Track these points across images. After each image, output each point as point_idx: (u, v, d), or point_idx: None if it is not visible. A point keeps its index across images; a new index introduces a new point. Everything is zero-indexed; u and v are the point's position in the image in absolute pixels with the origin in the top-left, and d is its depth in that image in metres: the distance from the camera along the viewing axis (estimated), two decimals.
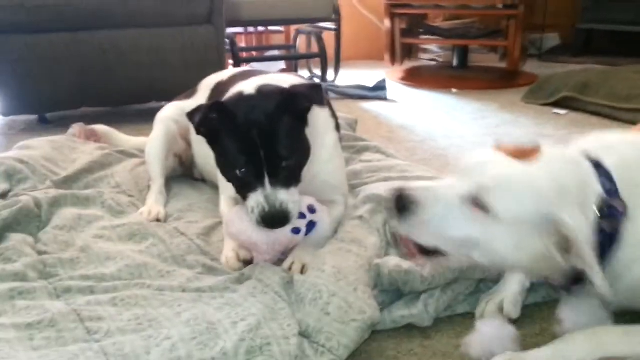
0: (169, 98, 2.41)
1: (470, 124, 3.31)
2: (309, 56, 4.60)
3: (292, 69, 4.59)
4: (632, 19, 4.93)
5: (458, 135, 3.09)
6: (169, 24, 3.29)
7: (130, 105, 3.60)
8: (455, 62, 4.85)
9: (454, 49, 4.83)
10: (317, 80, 4.29)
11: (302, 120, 1.59)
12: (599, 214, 1.19)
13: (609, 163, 1.26)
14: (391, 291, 1.47)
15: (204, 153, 2.09)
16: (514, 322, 1.39)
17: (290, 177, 1.52)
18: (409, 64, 5.06)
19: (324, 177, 1.76)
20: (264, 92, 1.56)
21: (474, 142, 2.96)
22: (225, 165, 1.57)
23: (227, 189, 1.80)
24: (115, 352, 1.18)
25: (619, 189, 1.23)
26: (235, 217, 1.55)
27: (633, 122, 3.14)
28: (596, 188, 1.22)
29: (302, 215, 1.54)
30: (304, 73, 4.66)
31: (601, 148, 1.30)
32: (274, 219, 1.48)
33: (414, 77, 4.61)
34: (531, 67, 4.82)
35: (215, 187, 2.00)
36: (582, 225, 1.15)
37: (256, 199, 1.48)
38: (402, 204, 1.22)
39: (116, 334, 1.26)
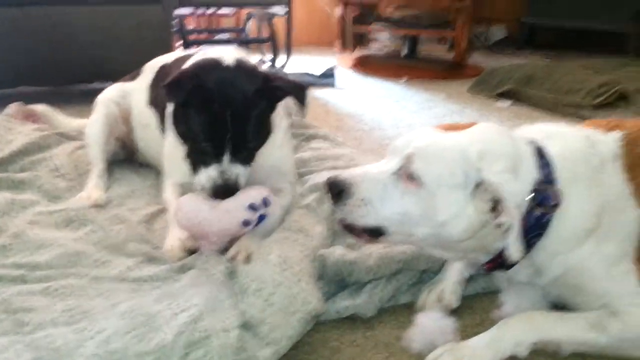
0: (114, 78, 2.33)
1: (419, 113, 3.34)
2: (259, 40, 4.54)
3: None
4: (575, 14, 5.07)
5: (406, 125, 3.11)
6: (120, 1, 3.18)
7: (74, 86, 3.46)
8: (404, 52, 4.88)
9: (404, 39, 4.86)
10: (267, 64, 4.24)
11: (272, 109, 1.61)
12: (531, 199, 1.21)
13: (553, 151, 1.28)
14: (336, 281, 1.47)
15: (147, 137, 2.03)
16: (454, 312, 1.41)
17: (249, 157, 1.56)
18: (359, 52, 5.06)
19: (274, 162, 1.74)
20: (243, 67, 1.55)
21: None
22: (187, 132, 1.55)
23: (172, 175, 1.75)
24: (47, 346, 1.13)
25: (557, 179, 1.25)
26: (185, 205, 1.50)
27: (575, 115, 3.24)
28: (533, 172, 1.23)
29: (255, 207, 1.51)
30: (255, 57, 4.59)
31: (547, 137, 1.33)
32: (223, 189, 1.50)
33: (364, 65, 4.61)
34: (477, 59, 4.90)
35: (159, 172, 1.95)
36: (510, 187, 1.17)
37: (208, 174, 1.50)
38: (338, 189, 1.24)
39: (48, 326, 1.20)
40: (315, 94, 3.71)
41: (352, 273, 1.44)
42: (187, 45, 3.74)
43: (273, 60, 4.15)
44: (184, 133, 1.56)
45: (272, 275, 1.32)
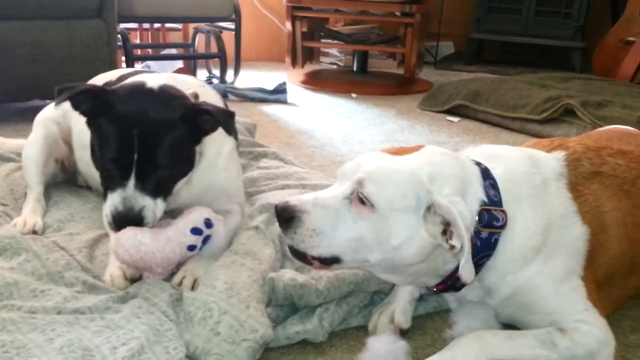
0: (53, 96, 2.23)
1: (369, 130, 3.34)
2: (207, 56, 4.48)
3: (190, 68, 4.44)
4: (520, 31, 5.21)
5: (357, 141, 3.10)
6: (55, 16, 3.07)
7: (10, 104, 3.32)
8: (355, 67, 4.90)
9: (354, 54, 4.88)
10: (215, 82, 4.18)
11: (196, 142, 1.51)
12: (478, 220, 1.22)
13: (496, 173, 1.30)
14: (286, 306, 1.43)
15: (87, 158, 1.95)
16: (405, 333, 1.39)
17: (161, 187, 1.44)
18: (310, 67, 5.06)
19: (219, 185, 1.68)
20: (169, 92, 1.47)
21: (372, 148, 2.98)
22: (98, 149, 1.46)
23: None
24: None
25: (504, 200, 1.26)
26: (124, 240, 1.39)
27: (520, 131, 3.30)
28: (479, 192, 1.25)
29: (198, 231, 1.45)
30: (203, 73, 4.53)
31: (490, 158, 1.35)
32: (125, 220, 1.39)
33: (315, 81, 4.61)
34: (427, 74, 4.96)
35: (101, 195, 1.87)
36: (461, 209, 1.17)
37: (112, 200, 1.40)
38: (287, 216, 1.21)
39: None
40: (266, 109, 3.68)
41: (303, 297, 1.40)
42: (130, 60, 3.65)
43: (221, 76, 4.09)
44: (96, 156, 1.48)
45: (218, 303, 1.27)
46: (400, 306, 1.43)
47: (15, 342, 1.19)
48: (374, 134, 3.24)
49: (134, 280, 1.46)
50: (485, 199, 1.24)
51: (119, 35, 3.45)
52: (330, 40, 4.90)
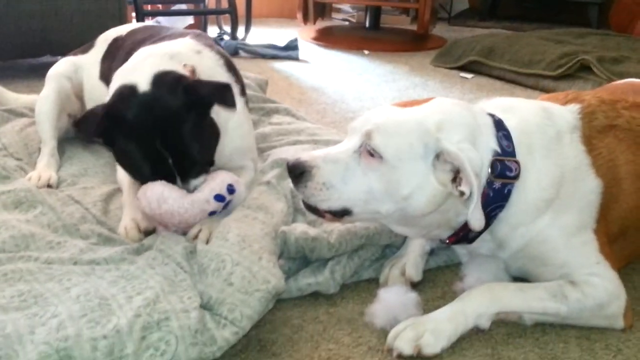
0: (65, 51, 2.24)
1: (382, 86, 3.30)
2: (218, 12, 4.42)
3: (200, 24, 4.39)
4: None
5: (369, 98, 3.08)
6: None
7: (22, 60, 3.31)
8: (367, 23, 4.82)
9: (367, 9, 4.80)
10: (226, 38, 4.13)
11: (207, 115, 1.49)
12: (491, 171, 1.22)
13: (510, 124, 1.29)
14: (298, 259, 1.44)
15: None
16: (416, 286, 1.41)
17: (202, 168, 1.47)
18: (321, 24, 4.98)
19: (233, 144, 1.69)
20: (161, 87, 1.41)
21: (384, 105, 2.95)
22: (129, 170, 1.48)
23: None
24: None
25: (516, 151, 1.25)
26: (150, 192, 1.40)
27: (535, 87, 3.26)
28: (493, 143, 1.24)
29: (221, 198, 1.46)
30: (214, 29, 4.48)
31: (504, 110, 1.33)
32: None
33: (327, 37, 4.54)
34: (440, 31, 4.87)
35: None
36: (469, 155, 1.16)
37: None
38: (298, 171, 1.23)
39: None
40: (277, 66, 3.65)
41: (314, 250, 1.41)
42: (141, 16, 3.61)
43: (232, 33, 4.04)
44: (131, 171, 1.48)
45: (231, 255, 1.28)
46: (412, 259, 1.44)
47: (33, 291, 1.22)
48: (386, 91, 3.21)
49: (147, 232, 1.48)
50: (498, 149, 1.23)
51: None
52: None
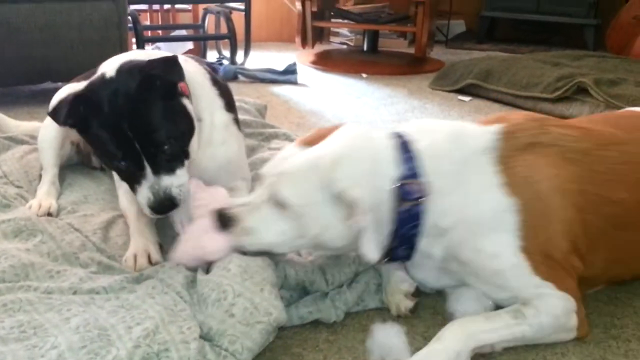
0: (66, 78, 2.24)
1: (380, 110, 3.32)
2: (217, 37, 4.46)
3: (200, 50, 4.44)
4: (532, 8, 5.12)
5: (368, 121, 3.09)
6: None
7: (23, 86, 3.34)
8: (365, 47, 4.86)
9: (365, 33, 4.84)
10: (225, 62, 4.17)
11: (172, 96, 1.48)
12: (396, 192, 1.26)
13: (419, 146, 1.32)
14: (298, 288, 1.43)
15: None
16: (418, 296, 1.43)
17: (174, 159, 1.46)
18: (320, 47, 5.03)
19: (220, 161, 1.69)
20: (124, 73, 1.45)
21: (383, 128, 2.96)
22: (103, 157, 1.50)
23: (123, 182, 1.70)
24: None
25: (423, 172, 1.29)
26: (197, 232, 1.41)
27: (533, 109, 3.27)
28: (392, 168, 1.28)
29: None
30: (213, 54, 4.52)
31: (419, 131, 1.36)
32: (160, 206, 1.44)
33: (325, 61, 4.58)
34: (438, 54, 4.92)
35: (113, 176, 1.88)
36: (361, 190, 1.22)
37: (142, 193, 1.44)
38: (225, 221, 1.33)
39: None
40: (276, 90, 3.67)
41: (314, 283, 1.41)
42: (141, 42, 3.64)
43: (232, 58, 4.08)
44: (102, 160, 1.51)
45: (232, 285, 1.27)
46: (397, 276, 1.45)
47: (32, 322, 1.21)
48: (385, 114, 3.23)
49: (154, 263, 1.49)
50: (398, 174, 1.27)
51: (129, 17, 3.44)
52: (340, 20, 4.85)
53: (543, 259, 1.28)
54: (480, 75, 3.58)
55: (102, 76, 1.46)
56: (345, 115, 3.19)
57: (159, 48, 4.27)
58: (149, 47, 4.08)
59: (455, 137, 1.35)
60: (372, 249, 1.25)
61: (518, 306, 1.28)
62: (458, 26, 5.71)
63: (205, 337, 1.20)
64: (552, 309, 1.26)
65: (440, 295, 1.49)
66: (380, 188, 1.26)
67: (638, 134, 1.46)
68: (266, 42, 5.37)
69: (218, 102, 1.71)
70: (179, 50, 4.33)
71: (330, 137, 1.32)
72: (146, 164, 1.41)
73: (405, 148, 1.31)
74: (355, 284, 1.45)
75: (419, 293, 1.43)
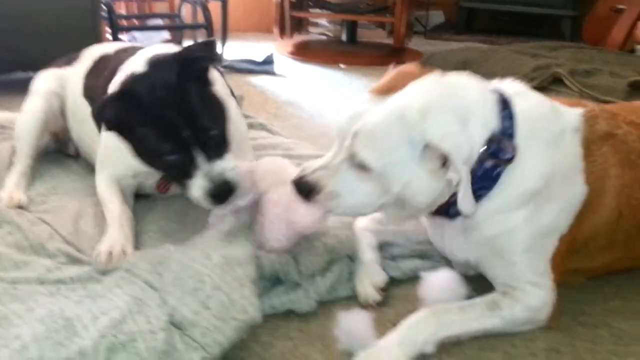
0: (37, 68, 2.19)
1: (358, 100, 3.31)
2: (194, 26, 4.40)
3: (176, 39, 4.38)
4: None
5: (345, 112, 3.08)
6: None
7: None
8: (344, 37, 4.84)
9: (343, 24, 4.83)
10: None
11: (206, 82, 1.48)
12: (487, 147, 1.20)
13: (517, 108, 1.26)
14: (272, 278, 1.42)
15: (80, 127, 1.92)
16: (386, 290, 1.42)
17: (221, 144, 1.45)
18: (298, 38, 5.00)
19: (235, 139, 1.65)
20: (158, 65, 1.44)
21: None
22: (149, 155, 1.45)
23: (107, 167, 1.67)
24: None
25: (516, 134, 1.23)
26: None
27: None
28: (492, 121, 1.21)
29: None
30: (189, 44, 4.46)
31: (516, 93, 1.31)
32: (219, 193, 1.40)
33: (303, 51, 4.56)
34: (417, 44, 4.91)
35: (87, 165, 1.86)
36: (456, 141, 1.15)
37: (197, 184, 1.40)
38: (307, 189, 1.26)
39: None
40: (253, 81, 3.65)
41: (288, 274, 1.40)
42: (116, 31, 3.59)
43: None
44: (149, 161, 1.46)
45: (212, 277, 1.25)
46: (370, 268, 1.45)
47: None
48: None
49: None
50: (498, 128, 1.21)
51: (104, 6, 3.38)
52: (318, 10, 4.83)
53: (565, 252, 1.30)
54: (458, 66, 3.58)
55: (133, 74, 1.43)
56: (323, 105, 3.17)
57: (134, 38, 4.21)
58: (124, 37, 4.02)
59: (552, 108, 1.32)
60: (470, 202, 1.17)
61: (496, 296, 1.28)
62: (437, 17, 5.72)
63: (177, 324, 1.18)
64: (531, 301, 1.27)
65: (411, 282, 1.49)
66: (475, 141, 1.18)
67: None
68: (244, 32, 5.32)
69: (226, 86, 1.76)
70: (156, 39, 4.28)
71: (413, 84, 1.24)
72: (197, 152, 1.38)
73: (504, 104, 1.24)
74: (328, 274, 1.44)
75: (388, 287, 1.43)
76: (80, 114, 1.87)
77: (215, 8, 4.07)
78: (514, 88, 1.33)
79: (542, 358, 1.25)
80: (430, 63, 3.79)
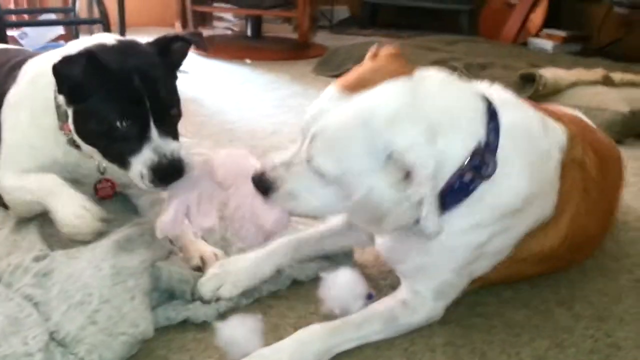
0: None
1: (262, 96, 3.28)
2: (88, 22, 4.19)
3: (71, 35, 4.16)
4: None
5: (249, 108, 3.04)
6: None
7: None
8: (249, 32, 4.79)
9: (247, 19, 4.76)
10: None
11: (177, 69, 1.52)
12: (470, 159, 1.11)
13: (504, 120, 1.17)
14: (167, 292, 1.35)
15: None
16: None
17: (175, 127, 1.42)
18: (203, 33, 4.88)
19: None
20: (133, 42, 1.45)
21: (265, 114, 2.93)
22: (100, 123, 1.34)
23: (9, 160, 1.56)
24: None
25: (500, 149, 1.15)
26: None
27: None
28: (480, 132, 1.13)
29: None
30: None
31: (503, 102, 1.21)
32: (168, 170, 1.33)
33: (208, 47, 4.45)
34: (322, 39, 4.93)
35: None
36: (423, 153, 1.05)
37: (143, 158, 1.33)
38: (265, 186, 1.19)
39: None
40: None
41: (184, 294, 1.34)
42: (3, 27, 3.35)
43: None
44: (100, 128, 1.36)
45: (100, 290, 1.18)
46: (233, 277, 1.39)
47: None
48: (267, 100, 3.19)
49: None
50: (483, 140, 1.12)
51: None
52: (222, 5, 4.74)
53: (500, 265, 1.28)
54: (360, 60, 3.61)
55: (104, 44, 1.40)
56: (227, 102, 3.12)
57: (25, 34, 3.96)
58: (13, 32, 3.77)
59: (541, 124, 1.24)
60: (433, 222, 1.07)
61: (395, 308, 1.26)
62: (342, 12, 5.77)
63: (60, 341, 1.11)
64: (430, 313, 1.28)
65: (313, 283, 1.48)
66: (448, 156, 1.08)
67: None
68: (146, 26, 5.13)
69: None
70: (49, 35, 4.05)
71: (385, 84, 1.10)
72: (152, 125, 1.32)
73: (494, 116, 1.15)
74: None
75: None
76: None
77: (111, 1, 3.89)
78: (502, 97, 1.23)
79: (440, 353, 1.26)
80: (335, 57, 3.81)
